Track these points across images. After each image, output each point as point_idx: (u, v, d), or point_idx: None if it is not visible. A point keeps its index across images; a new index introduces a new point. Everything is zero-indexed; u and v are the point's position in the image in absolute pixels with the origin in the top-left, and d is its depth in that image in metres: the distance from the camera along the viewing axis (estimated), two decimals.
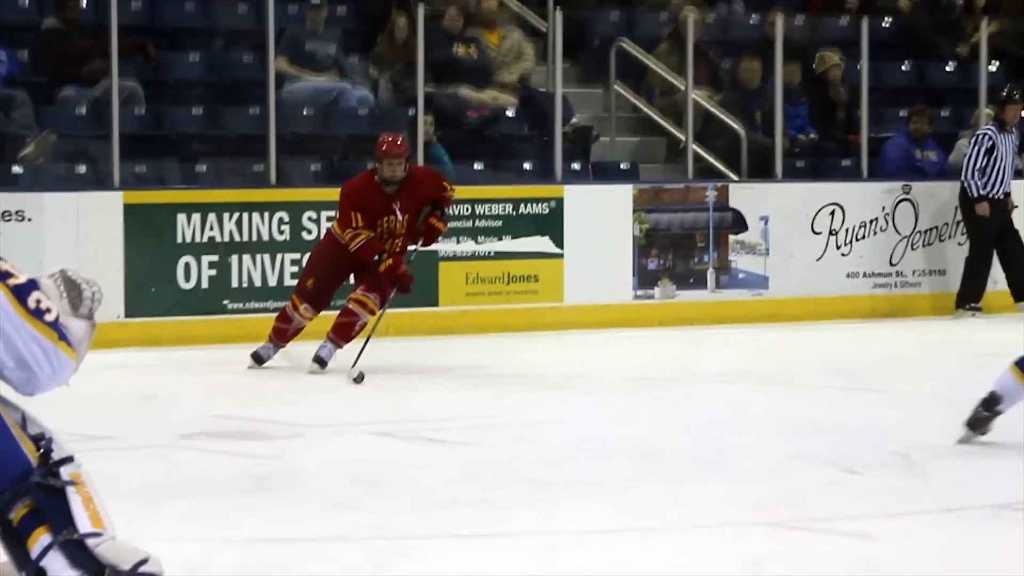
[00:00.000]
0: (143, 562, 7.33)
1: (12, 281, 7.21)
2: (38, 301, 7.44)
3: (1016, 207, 20.90)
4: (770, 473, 10.74)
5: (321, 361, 15.52)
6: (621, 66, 22.12)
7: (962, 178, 20.82)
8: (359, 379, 14.80)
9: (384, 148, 15.30)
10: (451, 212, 18.10)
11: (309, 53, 20.61)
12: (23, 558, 7.32)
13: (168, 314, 18.32)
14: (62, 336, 7.48)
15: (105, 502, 7.13)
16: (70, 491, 7.36)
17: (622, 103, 22.23)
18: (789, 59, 21.92)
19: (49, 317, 7.45)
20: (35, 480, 7.25)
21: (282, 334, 15.86)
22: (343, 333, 15.56)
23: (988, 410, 10.97)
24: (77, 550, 7.15)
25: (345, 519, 9.79)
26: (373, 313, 15.51)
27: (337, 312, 15.90)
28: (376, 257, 15.38)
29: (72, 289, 7.62)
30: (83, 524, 7.35)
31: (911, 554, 8.98)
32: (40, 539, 7.25)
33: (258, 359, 15.71)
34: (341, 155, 20.28)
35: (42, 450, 7.43)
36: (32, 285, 7.41)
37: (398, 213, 15.33)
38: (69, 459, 7.39)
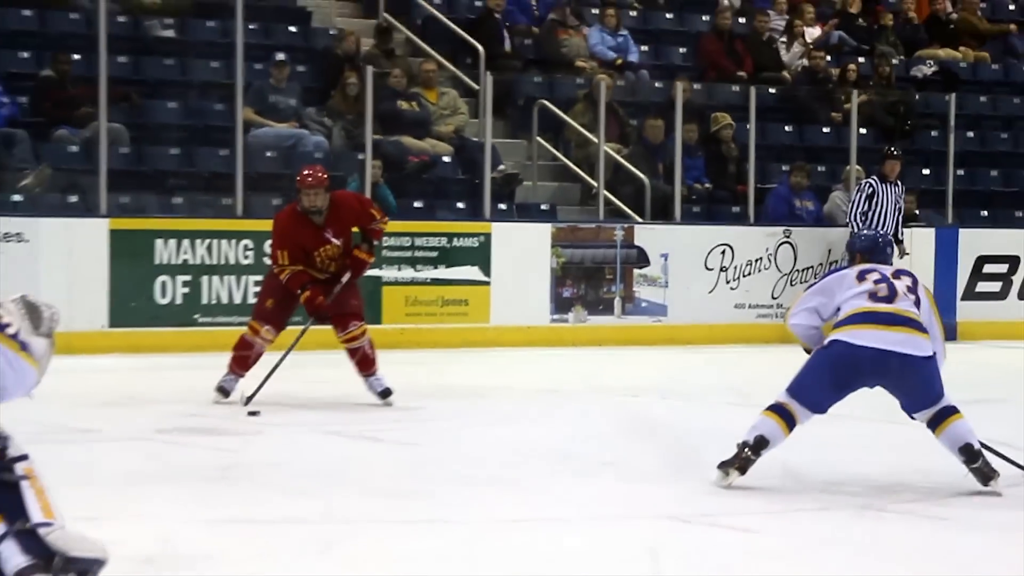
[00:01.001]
0: (89, 549, 7.30)
1: None
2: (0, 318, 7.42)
3: (908, 254, 20.92)
4: (667, 475, 10.70)
5: (223, 391, 14.02)
6: (542, 122, 22.09)
7: (847, 220, 20.95)
8: (253, 411, 13.36)
9: (300, 179, 14.05)
10: (391, 243, 18.09)
11: (272, 104, 20.58)
12: None
13: (147, 325, 18.27)
14: (23, 347, 7.45)
15: (53, 494, 7.10)
16: (24, 485, 7.27)
17: (543, 153, 22.19)
18: (688, 120, 21.91)
19: (10, 331, 7.40)
20: None
21: (243, 362, 14.14)
22: (241, 363, 14.16)
23: (756, 453, 10.06)
24: (29, 538, 7.07)
25: (298, 504, 9.74)
26: (266, 340, 14.18)
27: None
28: (299, 290, 13.95)
29: (32, 312, 7.58)
30: (36, 515, 7.25)
31: (788, 545, 8.97)
32: None
33: (223, 392, 13.99)
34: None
35: None
36: None
37: (332, 239, 14.00)
38: (23, 457, 7.31)
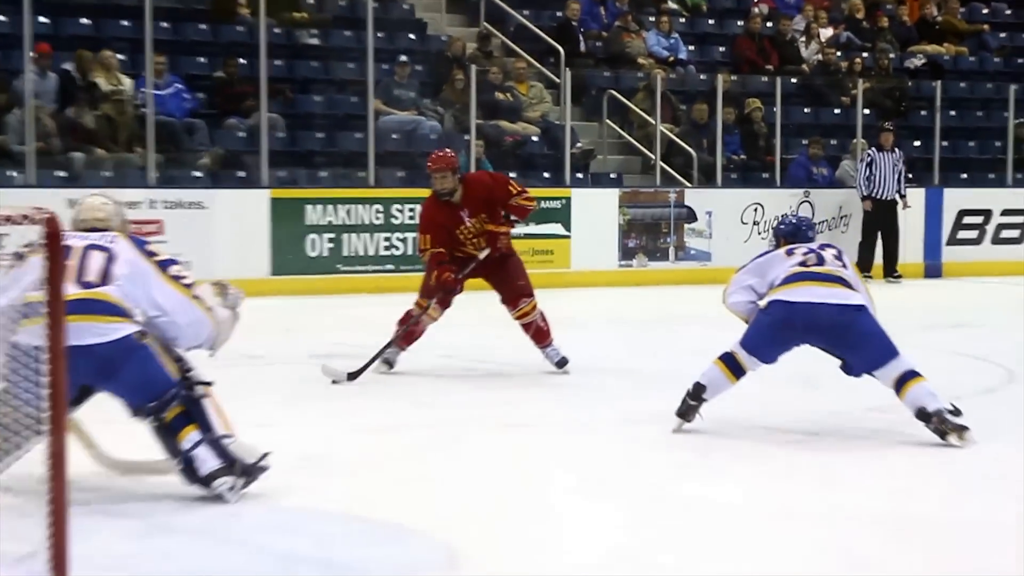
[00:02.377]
0: (262, 457, 7.45)
1: (156, 258, 7.60)
2: (178, 271, 7.57)
3: (909, 207, 21.02)
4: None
5: (388, 363, 11.99)
6: (610, 108, 22.06)
7: (855, 183, 21.01)
8: (337, 379, 11.42)
9: (428, 163, 12.10)
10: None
11: (396, 96, 20.57)
12: (174, 449, 7.32)
13: (300, 273, 18.38)
14: (196, 296, 7.60)
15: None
16: (205, 402, 7.38)
17: (611, 133, 22.14)
18: (726, 104, 21.92)
19: (185, 281, 7.57)
20: (180, 391, 7.30)
21: (408, 337, 12.04)
22: (407, 338, 12.01)
23: (695, 399, 9.18)
24: (216, 446, 7.33)
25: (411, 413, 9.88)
26: (432, 318, 12.03)
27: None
28: (434, 269, 11.97)
29: (222, 289, 7.82)
30: (218, 428, 7.38)
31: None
32: (190, 435, 7.28)
33: (388, 364, 11.93)
34: (419, 168, 20.20)
35: (183, 369, 7.47)
36: (172, 262, 7.67)
37: (467, 220, 11.95)
38: (208, 383, 7.45)
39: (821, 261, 9.21)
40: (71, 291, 6.87)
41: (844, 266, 9.23)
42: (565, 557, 6.61)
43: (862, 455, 8.76)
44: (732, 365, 9.21)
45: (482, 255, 12.01)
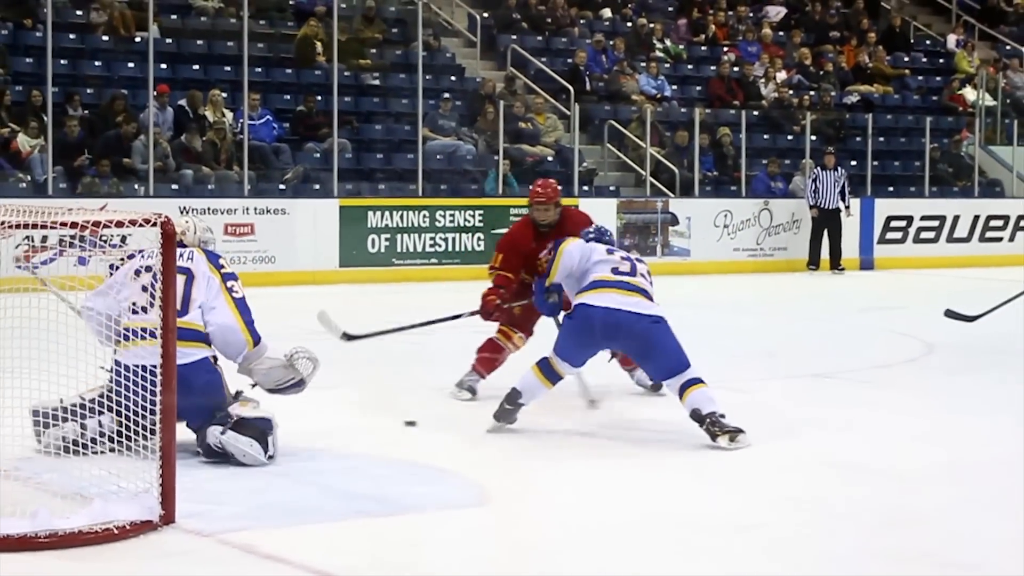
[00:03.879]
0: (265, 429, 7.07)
1: (223, 271, 7.32)
2: (233, 285, 7.28)
3: (852, 215, 21.06)
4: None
5: (471, 390, 9.43)
6: (611, 135, 21.92)
7: (804, 195, 20.97)
8: (330, 329, 9.75)
9: (531, 193, 9.55)
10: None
11: (440, 125, 20.48)
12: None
13: (362, 266, 18.29)
14: (241, 310, 7.26)
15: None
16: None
17: (611, 155, 22.01)
18: (702, 132, 21.76)
19: (236, 295, 7.27)
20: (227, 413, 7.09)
21: (489, 364, 9.49)
22: (487, 365, 9.49)
23: (511, 404, 7.98)
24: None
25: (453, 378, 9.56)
26: (517, 347, 9.49)
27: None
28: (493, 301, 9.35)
29: (288, 360, 7.44)
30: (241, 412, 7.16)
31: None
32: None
33: (471, 391, 9.39)
34: (458, 182, 20.19)
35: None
36: (233, 276, 7.34)
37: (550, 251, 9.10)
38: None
39: (632, 271, 8.01)
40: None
41: (650, 283, 8.03)
42: (583, 498, 6.53)
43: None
44: (547, 371, 7.96)
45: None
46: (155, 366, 6.02)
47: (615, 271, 7.99)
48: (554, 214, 9.36)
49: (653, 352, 7.87)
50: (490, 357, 9.46)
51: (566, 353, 7.95)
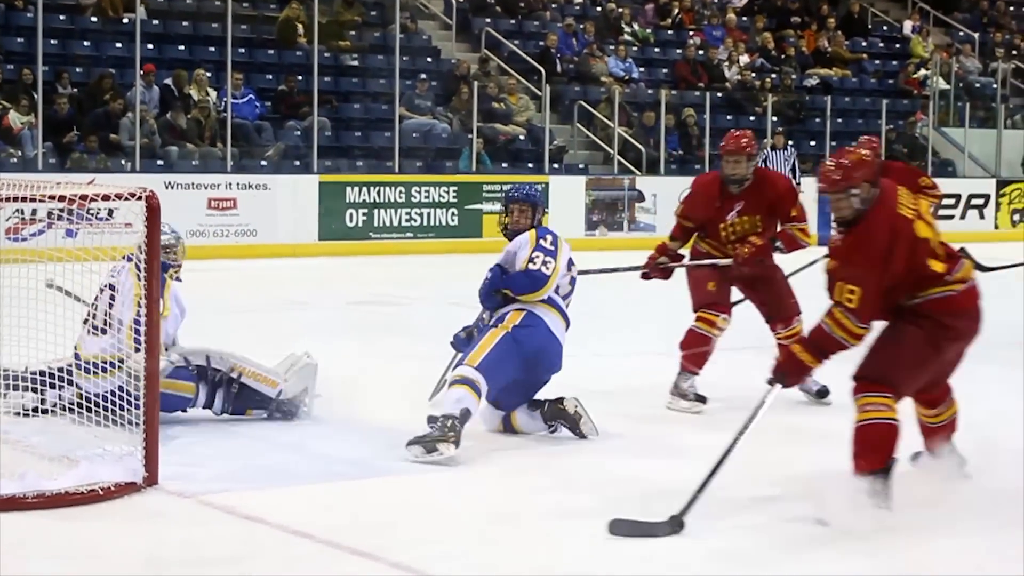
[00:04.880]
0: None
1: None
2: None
3: (802, 192, 20.61)
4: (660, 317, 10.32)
5: (685, 396, 7.87)
6: (580, 115, 21.92)
7: None
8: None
9: (723, 144, 8.07)
10: (492, 189, 17.94)
11: (417, 105, 20.45)
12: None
13: (340, 239, 18.30)
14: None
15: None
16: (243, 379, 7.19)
17: (580, 134, 22.02)
18: (668, 112, 21.83)
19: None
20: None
21: (698, 359, 7.88)
22: (696, 361, 7.92)
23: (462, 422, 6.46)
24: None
25: (431, 349, 9.31)
26: (721, 330, 7.97)
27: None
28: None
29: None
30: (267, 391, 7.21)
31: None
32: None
33: (700, 398, 7.85)
34: (433, 159, 20.18)
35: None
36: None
37: (733, 215, 8.04)
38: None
39: (571, 291, 7.19)
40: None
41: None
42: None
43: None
44: (476, 389, 6.61)
45: (722, 263, 8.04)
46: (114, 391, 6.15)
47: (560, 294, 7.12)
48: (745, 169, 8.02)
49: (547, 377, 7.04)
50: (698, 352, 7.90)
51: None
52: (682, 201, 8.28)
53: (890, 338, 5.67)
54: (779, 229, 8.23)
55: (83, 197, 5.76)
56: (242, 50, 19.89)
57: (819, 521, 5.39)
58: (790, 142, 21.38)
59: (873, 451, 5.52)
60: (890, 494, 5.48)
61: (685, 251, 8.28)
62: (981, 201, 23.59)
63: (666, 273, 8.16)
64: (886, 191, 5.66)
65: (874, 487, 5.46)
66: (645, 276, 8.32)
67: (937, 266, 5.62)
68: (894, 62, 26.98)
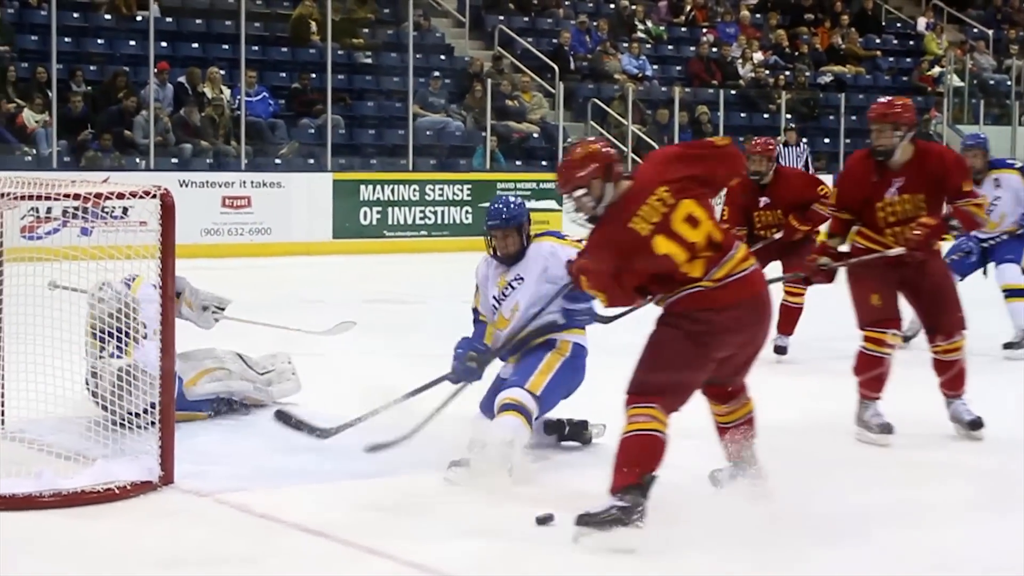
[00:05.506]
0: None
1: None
2: None
3: None
4: None
5: (874, 427, 6.94)
6: (594, 112, 21.90)
7: None
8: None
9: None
10: (508, 185, 17.90)
11: (431, 103, 20.46)
12: None
13: (355, 237, 18.31)
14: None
15: None
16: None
17: (593, 131, 21.97)
18: (682, 110, 21.82)
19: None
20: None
21: (875, 384, 6.93)
22: (873, 386, 6.99)
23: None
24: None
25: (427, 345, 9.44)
26: (892, 347, 6.97)
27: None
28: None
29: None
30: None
31: None
32: None
33: (887, 428, 6.90)
34: (447, 157, 20.18)
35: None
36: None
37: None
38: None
39: None
40: None
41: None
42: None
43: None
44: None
45: (892, 253, 6.96)
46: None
47: None
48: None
49: None
50: (874, 376, 6.98)
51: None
52: (834, 185, 7.54)
53: (648, 345, 5.33)
54: (950, 207, 7.13)
55: (98, 195, 5.76)
56: (256, 48, 19.91)
57: (574, 538, 5.09)
58: (803, 139, 21.43)
59: (627, 466, 5.13)
60: (643, 510, 5.07)
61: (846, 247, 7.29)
62: None
63: (830, 275, 7.19)
64: (628, 200, 5.32)
65: (626, 502, 5.06)
66: (807, 281, 7.70)
67: (693, 271, 5.25)
68: (908, 59, 26.93)
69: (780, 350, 9.60)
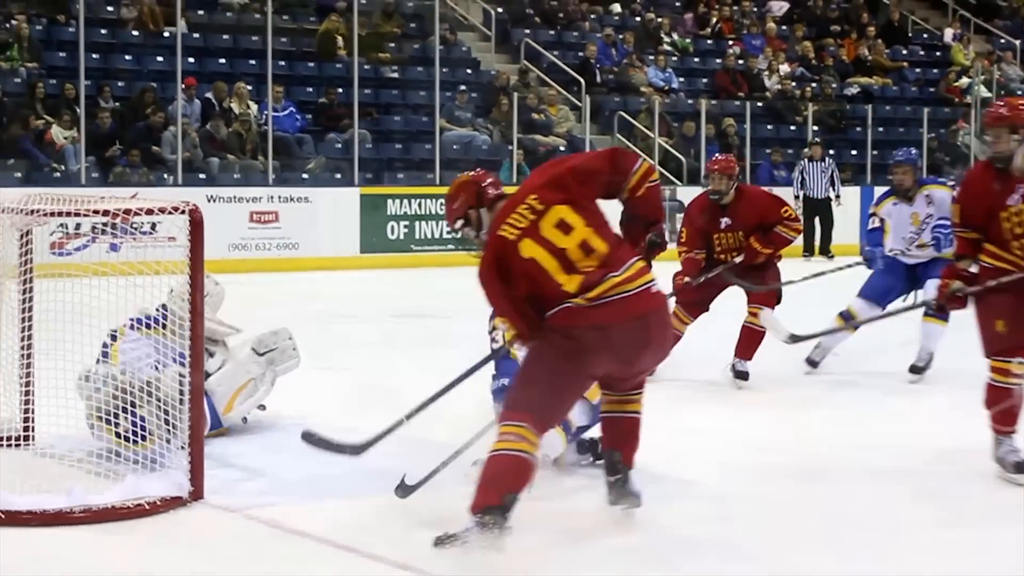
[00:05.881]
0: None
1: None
2: None
3: (841, 204, 20.70)
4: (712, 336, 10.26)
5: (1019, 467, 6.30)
6: (620, 125, 21.86)
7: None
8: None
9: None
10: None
11: (457, 116, 20.47)
12: None
13: (382, 252, 18.32)
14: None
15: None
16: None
17: (620, 144, 21.99)
18: (708, 122, 21.76)
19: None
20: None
21: (1008, 418, 6.42)
22: (1007, 420, 6.41)
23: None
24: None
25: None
26: (1018, 376, 6.36)
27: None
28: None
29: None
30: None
31: None
32: None
33: (1009, 465, 6.38)
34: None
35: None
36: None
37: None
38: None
39: None
40: None
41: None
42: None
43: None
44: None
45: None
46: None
47: None
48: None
49: None
50: (1003, 409, 6.43)
51: None
52: (955, 202, 6.66)
53: (524, 359, 5.35)
54: None
55: (126, 211, 5.76)
56: (282, 63, 19.94)
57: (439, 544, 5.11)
58: (830, 151, 21.36)
59: (491, 486, 5.06)
60: (502, 533, 5.00)
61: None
62: None
63: (963, 301, 6.58)
64: (501, 213, 5.43)
65: (485, 523, 5.01)
66: (940, 308, 7.13)
67: (568, 285, 5.20)
68: (935, 70, 26.84)
69: (741, 375, 8.95)
